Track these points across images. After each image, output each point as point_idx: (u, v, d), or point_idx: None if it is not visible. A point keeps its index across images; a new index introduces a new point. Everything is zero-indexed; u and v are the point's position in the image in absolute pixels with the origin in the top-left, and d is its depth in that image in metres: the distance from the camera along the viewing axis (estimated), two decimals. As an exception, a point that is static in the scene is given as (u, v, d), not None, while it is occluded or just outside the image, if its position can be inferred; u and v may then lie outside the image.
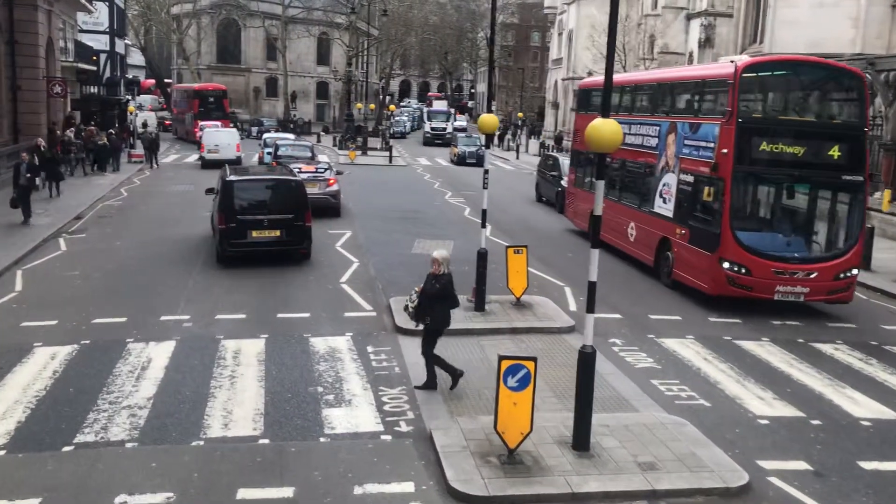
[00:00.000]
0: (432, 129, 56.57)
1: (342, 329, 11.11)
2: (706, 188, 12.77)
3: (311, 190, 19.05)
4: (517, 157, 46.93)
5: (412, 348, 10.28)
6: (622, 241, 16.53)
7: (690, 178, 13.50)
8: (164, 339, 10.44)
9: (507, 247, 12.50)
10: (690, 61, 48.20)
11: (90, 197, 23.34)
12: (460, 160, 39.66)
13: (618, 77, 20.37)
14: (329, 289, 13.39)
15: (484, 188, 12.23)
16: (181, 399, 8.48)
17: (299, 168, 20.66)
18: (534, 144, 53.81)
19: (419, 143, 56.94)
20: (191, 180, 28.02)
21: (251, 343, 10.38)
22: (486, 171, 12.21)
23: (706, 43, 47.93)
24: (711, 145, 12.80)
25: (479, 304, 11.76)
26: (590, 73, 55.70)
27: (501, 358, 6.71)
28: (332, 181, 21.09)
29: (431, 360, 8.90)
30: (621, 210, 16.56)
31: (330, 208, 20.58)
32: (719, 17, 47.53)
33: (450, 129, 55.60)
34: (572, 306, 12.81)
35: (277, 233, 14.82)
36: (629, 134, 15.49)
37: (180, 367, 9.39)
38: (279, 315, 11.69)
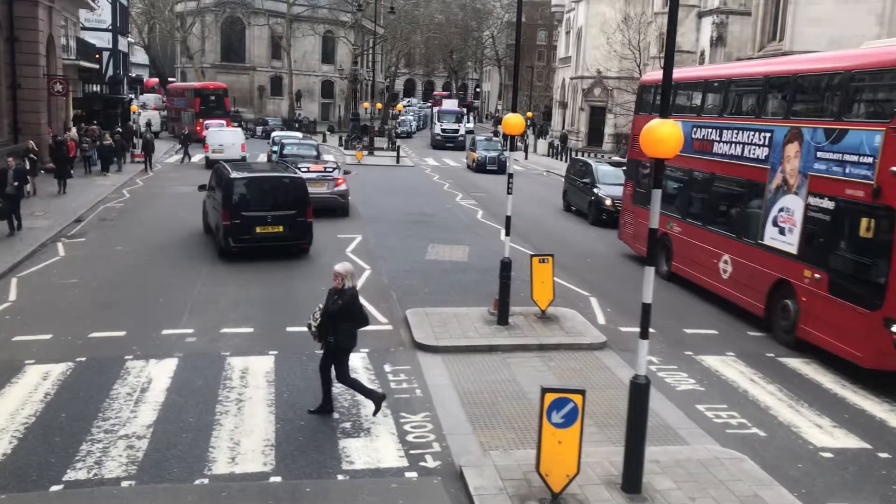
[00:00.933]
0: (443, 131, 51.29)
1: (357, 345, 10.32)
2: (863, 219, 9.39)
3: (320, 189, 19.53)
4: (526, 158, 46.12)
5: (434, 368, 9.55)
6: (710, 278, 13.21)
7: (829, 204, 10.17)
8: (165, 356, 9.68)
9: (532, 255, 11.68)
10: (702, 60, 47.31)
11: (91, 198, 22.62)
12: (480, 167, 35.33)
13: (702, 70, 17.51)
14: (341, 299, 12.61)
15: (508, 193, 11.43)
16: (184, 427, 7.73)
17: (307, 167, 20.52)
18: (542, 145, 52.89)
19: (426, 143, 56.02)
20: (194, 181, 27.25)
21: (259, 361, 9.62)
22: (511, 176, 11.41)
23: (718, 41, 47.12)
24: (869, 160, 9.49)
25: (503, 318, 10.98)
26: (598, 72, 55.04)
27: (545, 391, 5.94)
28: (340, 181, 20.79)
29: (350, 384, 8.04)
30: (709, 237, 13.25)
31: (338, 208, 20.37)
32: (732, 15, 46.82)
33: (462, 131, 51.32)
34: (600, 319, 12.01)
35: (280, 228, 15.14)
36: (720, 142, 13.07)
37: (183, 389, 8.63)
38: (289, 328, 10.93)
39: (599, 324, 11.67)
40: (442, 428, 7.81)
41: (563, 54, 69.76)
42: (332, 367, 8.02)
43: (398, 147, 40.30)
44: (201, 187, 17.96)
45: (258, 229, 14.88)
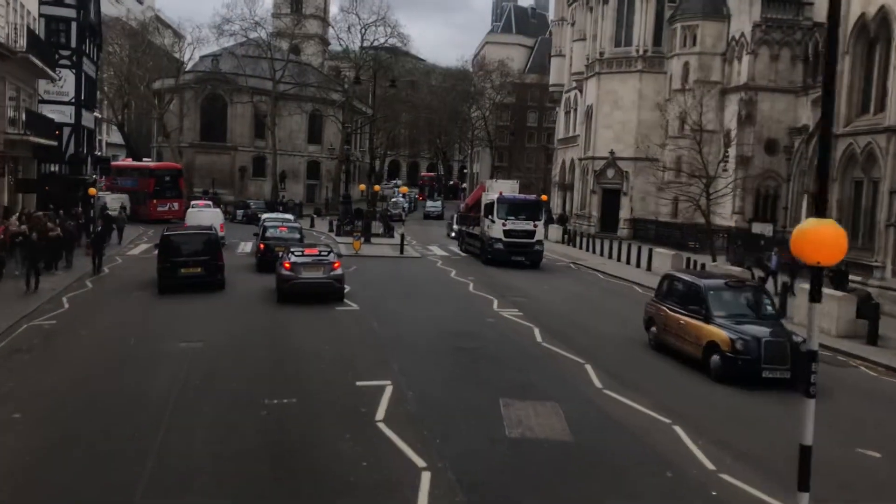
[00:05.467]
0: (507, 234, 29.51)
1: None
2: None
3: (315, 274, 19.30)
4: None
5: None
6: None
7: None
8: None
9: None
10: (728, 140, 43.40)
11: (15, 312, 16.80)
12: (748, 368, 12.79)
13: None
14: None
15: (809, 396, 5.55)
16: None
17: (301, 251, 20.10)
18: (554, 230, 47.68)
19: (419, 223, 50.87)
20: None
21: None
22: (812, 385, 5.49)
23: (747, 119, 43.41)
24: None
25: None
26: (612, 152, 50.91)
27: None
28: (336, 264, 19.86)
29: None
30: None
31: (334, 293, 19.46)
32: (762, 92, 43.28)
33: (539, 235, 30.40)
34: None
35: (199, 269, 20.25)
36: None
37: None
38: None
39: None
40: None
41: (563, 135, 66.30)
42: None
43: (402, 235, 34.93)
44: (155, 246, 21.90)
45: (182, 270, 20.11)
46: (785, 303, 20.19)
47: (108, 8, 58.50)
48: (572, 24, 62.45)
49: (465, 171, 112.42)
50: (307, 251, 20.36)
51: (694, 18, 46.41)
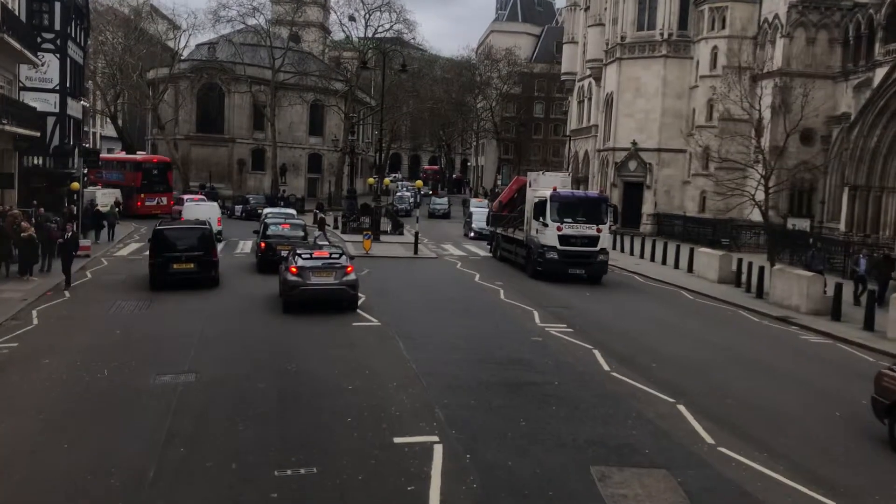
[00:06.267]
0: (563, 241, 23.63)
1: None
2: None
3: (327, 279, 17.28)
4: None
5: None
6: None
7: None
8: None
9: None
10: (760, 129, 40.44)
11: (-29, 332, 13.96)
12: None
13: None
14: None
15: None
16: None
17: (310, 254, 17.86)
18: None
19: (426, 220, 47.73)
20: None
21: None
22: None
23: (781, 107, 40.39)
24: None
25: None
26: (634, 143, 48.03)
27: None
28: (349, 268, 17.74)
29: None
30: None
31: (347, 300, 17.43)
32: (798, 78, 40.29)
33: (604, 241, 24.21)
34: None
35: (192, 265, 19.64)
36: None
37: None
38: None
39: None
40: None
41: (577, 125, 63.39)
42: None
43: (416, 234, 31.99)
44: (149, 240, 21.30)
45: (175, 265, 19.45)
46: (872, 314, 17.37)
47: (100, -6, 55.46)
48: (586, 9, 59.42)
49: (469, 164, 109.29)
50: (316, 253, 18.02)
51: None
